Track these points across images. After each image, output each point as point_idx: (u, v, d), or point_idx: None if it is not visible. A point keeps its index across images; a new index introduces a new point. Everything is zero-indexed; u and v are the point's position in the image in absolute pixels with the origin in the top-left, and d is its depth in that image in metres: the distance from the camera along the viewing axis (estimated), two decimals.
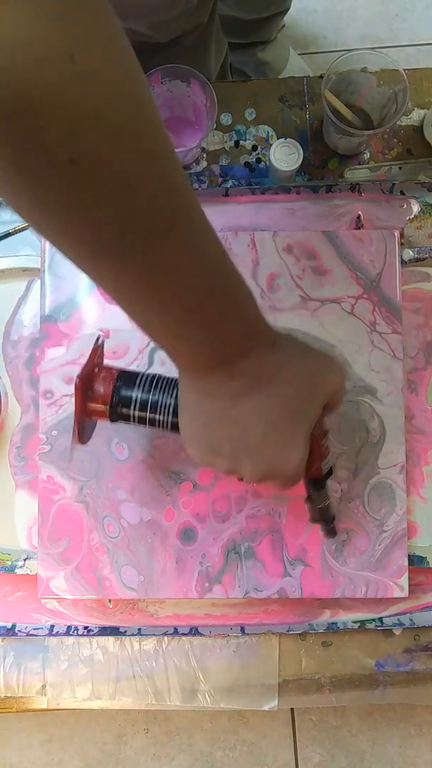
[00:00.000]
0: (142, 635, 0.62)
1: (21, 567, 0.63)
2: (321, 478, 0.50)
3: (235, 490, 0.60)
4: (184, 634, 0.62)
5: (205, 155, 0.67)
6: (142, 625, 0.62)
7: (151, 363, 0.61)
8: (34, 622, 0.63)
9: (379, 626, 0.61)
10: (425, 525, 0.62)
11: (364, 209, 0.64)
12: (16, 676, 0.63)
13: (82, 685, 0.63)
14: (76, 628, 0.62)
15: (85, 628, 0.62)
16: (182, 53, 0.70)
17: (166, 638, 0.63)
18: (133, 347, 0.62)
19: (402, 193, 0.64)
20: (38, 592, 0.60)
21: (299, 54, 1.23)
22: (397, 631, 0.63)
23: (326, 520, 0.55)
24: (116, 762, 1.09)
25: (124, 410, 0.48)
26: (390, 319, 0.61)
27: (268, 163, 0.66)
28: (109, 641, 0.63)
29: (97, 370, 0.48)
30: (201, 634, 0.61)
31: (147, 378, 0.48)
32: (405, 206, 0.65)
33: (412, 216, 0.65)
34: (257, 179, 0.67)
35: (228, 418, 0.40)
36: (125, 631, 0.62)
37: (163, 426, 0.48)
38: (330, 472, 0.50)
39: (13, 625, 0.62)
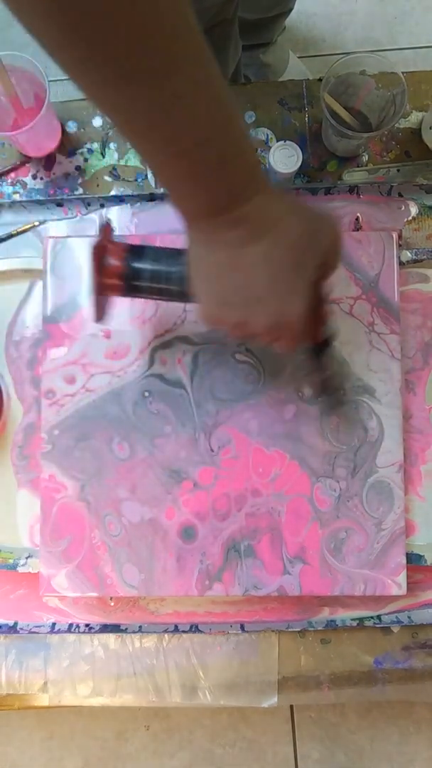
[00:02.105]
0: (142, 633, 0.62)
1: (23, 565, 0.63)
2: (321, 344, 0.51)
3: (235, 489, 0.61)
4: (184, 632, 0.62)
5: None
6: (142, 622, 0.63)
7: (152, 363, 0.62)
8: (35, 620, 0.63)
9: (378, 624, 0.62)
10: (423, 523, 0.63)
11: (362, 211, 0.65)
12: (18, 674, 0.64)
13: (84, 682, 0.63)
14: (78, 626, 0.63)
15: (87, 625, 0.63)
16: None
17: (166, 636, 0.63)
18: (133, 347, 0.62)
19: (400, 195, 0.65)
20: (40, 590, 0.61)
21: (299, 57, 1.23)
22: (396, 629, 0.63)
23: (330, 390, 0.56)
24: (117, 759, 1.10)
25: (136, 283, 0.50)
26: (388, 320, 0.62)
27: (267, 165, 0.67)
28: (110, 639, 0.64)
29: (108, 247, 0.50)
30: (201, 632, 0.62)
31: (153, 250, 0.50)
32: (403, 208, 0.65)
33: (410, 218, 0.65)
34: None
35: (235, 267, 0.41)
36: (126, 629, 0.62)
37: (173, 295, 0.50)
38: (331, 340, 0.51)
39: (15, 623, 0.63)
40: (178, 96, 0.34)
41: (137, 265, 0.49)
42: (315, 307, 0.44)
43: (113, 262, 0.49)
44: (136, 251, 0.50)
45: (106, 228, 0.51)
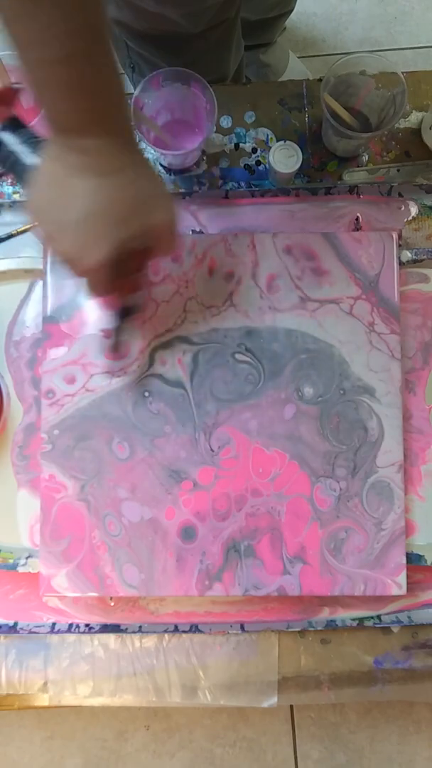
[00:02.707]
0: (142, 633, 0.62)
1: (23, 565, 0.63)
2: (121, 310, 0.53)
3: (235, 489, 0.61)
4: (184, 632, 0.62)
5: (205, 158, 0.68)
6: (142, 622, 0.63)
7: (151, 363, 0.62)
8: (35, 620, 0.63)
9: (378, 624, 0.62)
10: (423, 523, 0.63)
11: (362, 211, 0.65)
12: (18, 674, 0.64)
13: (84, 682, 0.63)
14: (78, 626, 0.63)
15: (87, 625, 0.63)
16: (207, 48, 0.72)
17: (166, 636, 0.63)
18: (133, 347, 0.62)
19: (400, 195, 0.65)
20: (40, 590, 0.61)
21: (299, 57, 1.23)
22: (396, 629, 0.63)
23: (116, 354, 0.60)
24: (117, 758, 1.10)
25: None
26: (388, 320, 0.62)
27: (267, 165, 0.67)
28: (110, 639, 0.64)
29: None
30: (201, 632, 0.62)
31: (29, 134, 0.51)
32: (403, 208, 0.65)
33: (410, 218, 0.65)
34: (257, 181, 0.67)
35: (63, 188, 0.42)
36: (126, 629, 0.62)
37: (17, 180, 0.51)
38: (131, 311, 0.54)
39: (15, 623, 0.63)
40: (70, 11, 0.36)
41: (4, 135, 0.50)
42: (123, 271, 0.45)
43: None
44: (15, 124, 0.50)
45: (11, 88, 0.52)
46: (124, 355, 0.61)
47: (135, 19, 0.69)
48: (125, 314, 0.55)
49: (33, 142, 0.50)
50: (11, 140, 0.50)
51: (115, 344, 0.58)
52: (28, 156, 0.50)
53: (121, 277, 0.46)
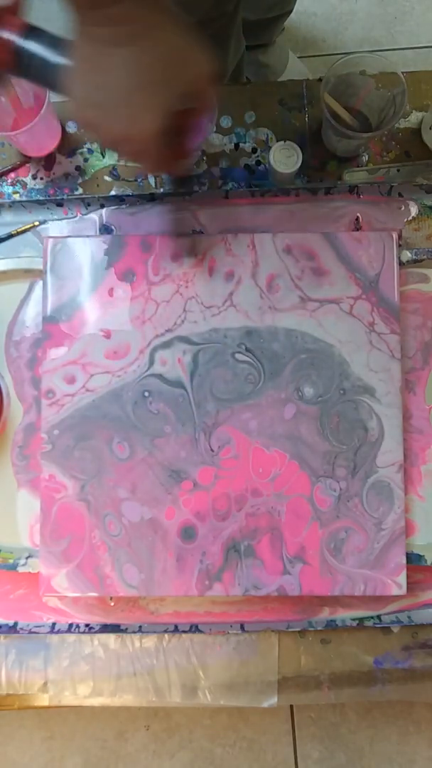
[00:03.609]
0: (142, 633, 0.63)
1: (23, 565, 0.63)
2: (179, 179, 0.51)
3: (235, 489, 0.61)
4: (184, 632, 0.62)
5: (205, 158, 0.68)
6: (142, 622, 0.63)
7: (151, 363, 0.62)
8: (35, 620, 0.63)
9: (378, 624, 0.62)
10: (423, 523, 0.63)
11: (362, 211, 0.65)
12: (18, 674, 0.64)
13: (84, 682, 0.63)
14: (78, 626, 0.63)
15: (87, 625, 0.63)
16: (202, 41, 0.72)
17: (166, 635, 0.63)
18: (133, 347, 0.62)
19: (400, 195, 0.65)
20: (40, 589, 0.61)
21: (299, 57, 1.23)
22: (396, 629, 0.63)
23: (176, 232, 0.56)
24: (117, 758, 1.10)
25: (25, 63, 0.48)
26: (388, 320, 0.62)
27: (267, 165, 0.67)
28: (110, 639, 0.64)
29: (5, 18, 0.49)
30: (201, 632, 0.62)
31: (50, 36, 0.48)
32: (403, 208, 0.65)
33: (410, 218, 0.65)
34: (257, 181, 0.67)
35: (102, 65, 0.41)
36: (126, 629, 0.62)
37: (51, 87, 0.49)
38: (189, 181, 0.51)
39: (15, 623, 0.63)
40: None
41: (27, 45, 0.48)
42: (173, 137, 0.44)
43: (5, 35, 0.47)
44: (34, 30, 0.48)
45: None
46: (198, 252, 0.57)
47: None
48: (183, 182, 0.51)
49: (55, 43, 0.48)
50: (36, 47, 0.48)
51: (191, 244, 0.54)
52: (55, 58, 0.47)
53: (170, 145, 0.45)
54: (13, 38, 0.47)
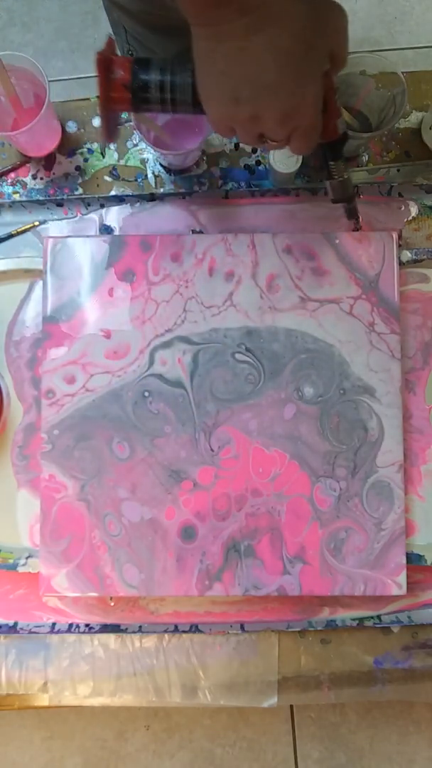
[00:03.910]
0: (142, 633, 0.63)
1: (23, 565, 0.63)
2: (337, 141, 0.50)
3: (235, 489, 0.61)
4: (184, 632, 0.62)
5: (205, 158, 0.68)
6: (142, 622, 0.63)
7: (151, 363, 0.62)
8: (35, 620, 0.63)
9: (378, 624, 0.62)
10: (423, 523, 0.63)
11: (362, 211, 0.65)
12: (18, 674, 0.64)
13: (84, 682, 0.63)
14: (78, 626, 0.63)
15: (87, 625, 0.63)
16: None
17: (166, 635, 0.63)
18: (133, 347, 0.62)
19: (400, 195, 0.65)
20: (40, 589, 0.61)
21: None
22: (396, 629, 0.63)
23: (346, 196, 0.54)
24: (117, 758, 1.10)
25: (145, 95, 0.48)
26: (388, 320, 0.62)
27: (267, 165, 0.67)
28: (110, 639, 0.64)
29: (113, 59, 0.48)
30: (201, 632, 0.62)
31: (160, 61, 0.48)
32: (403, 208, 0.65)
33: (410, 218, 0.65)
34: (257, 181, 0.67)
35: (243, 58, 0.41)
36: (126, 629, 0.62)
37: (182, 106, 0.48)
38: (345, 136, 0.50)
39: (15, 623, 0.63)
40: None
41: (145, 76, 0.48)
42: (326, 99, 0.44)
43: (120, 73, 0.47)
44: (143, 62, 0.48)
45: (110, 41, 0.49)
46: (356, 215, 0.57)
47: None
48: (342, 141, 0.50)
49: (171, 64, 0.48)
50: (153, 77, 0.48)
51: (340, 186, 0.53)
52: (181, 76, 0.47)
53: (326, 105, 0.44)
54: (128, 75, 0.47)
